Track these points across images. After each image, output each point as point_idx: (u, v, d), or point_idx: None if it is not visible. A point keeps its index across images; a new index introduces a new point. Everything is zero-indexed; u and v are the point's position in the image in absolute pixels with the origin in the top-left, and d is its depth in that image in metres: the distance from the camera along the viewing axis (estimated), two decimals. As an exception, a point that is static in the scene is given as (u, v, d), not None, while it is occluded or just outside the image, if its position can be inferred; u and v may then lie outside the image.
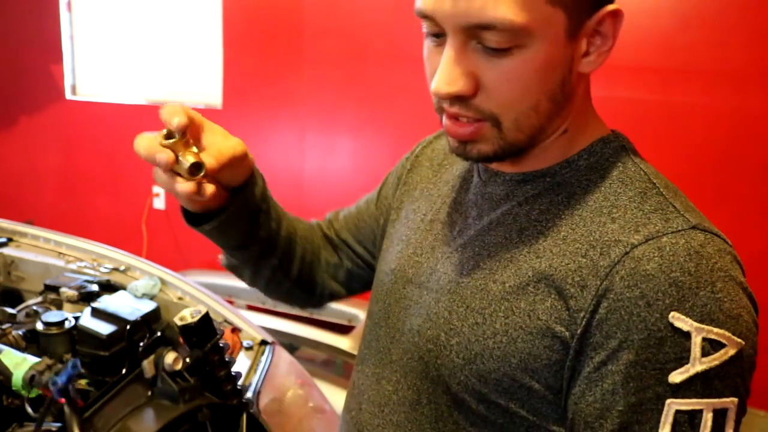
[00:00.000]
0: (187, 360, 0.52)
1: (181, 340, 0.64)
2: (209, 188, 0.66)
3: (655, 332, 0.55)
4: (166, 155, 0.63)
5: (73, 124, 3.47)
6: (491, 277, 0.66)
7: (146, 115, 3.28)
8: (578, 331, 0.59)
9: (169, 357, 0.53)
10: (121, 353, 1.38)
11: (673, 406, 0.55)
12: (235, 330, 1.42)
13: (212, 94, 3.10)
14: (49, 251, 1.79)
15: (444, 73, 0.59)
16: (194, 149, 0.63)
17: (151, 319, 1.46)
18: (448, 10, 0.57)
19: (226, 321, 1.48)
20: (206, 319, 0.55)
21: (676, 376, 0.55)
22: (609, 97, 2.34)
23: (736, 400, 0.57)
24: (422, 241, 0.77)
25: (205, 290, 1.59)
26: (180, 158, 0.61)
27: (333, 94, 2.86)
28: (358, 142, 2.86)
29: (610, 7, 0.60)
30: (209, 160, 0.66)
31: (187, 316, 0.57)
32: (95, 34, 3.39)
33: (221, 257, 0.87)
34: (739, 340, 0.56)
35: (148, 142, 0.65)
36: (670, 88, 2.29)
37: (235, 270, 0.88)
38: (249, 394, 1.24)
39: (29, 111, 3.56)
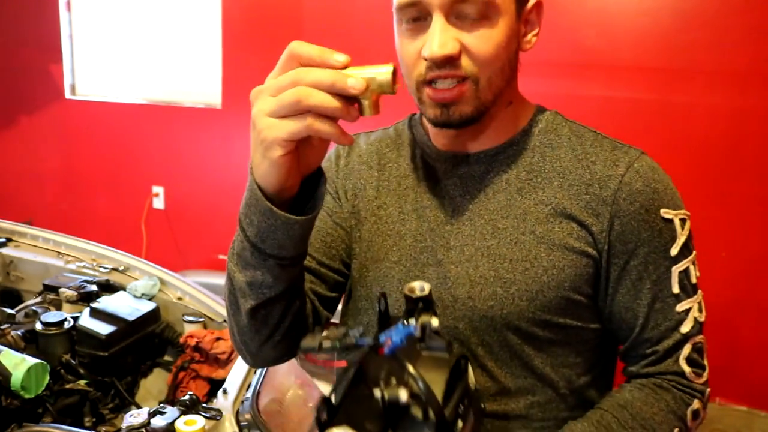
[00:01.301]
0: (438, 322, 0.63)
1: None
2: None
3: (656, 227, 0.79)
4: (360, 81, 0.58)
5: (72, 124, 3.47)
6: (518, 231, 0.81)
7: (146, 115, 3.28)
8: (605, 248, 0.79)
9: (435, 321, 0.62)
10: (121, 353, 1.38)
11: (676, 270, 0.80)
12: (235, 330, 1.42)
13: (212, 94, 3.10)
14: (48, 251, 1.79)
15: (436, 39, 0.72)
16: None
17: (151, 319, 1.46)
18: None
19: (225, 321, 1.48)
20: (431, 295, 0.66)
21: (674, 250, 0.80)
22: (609, 97, 2.34)
23: (695, 251, 0.83)
24: (417, 229, 0.86)
25: (204, 290, 1.59)
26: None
27: (333, 94, 2.85)
28: (357, 142, 2.86)
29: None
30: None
31: (416, 288, 0.66)
32: (95, 34, 3.39)
33: (248, 302, 0.75)
34: (688, 212, 0.82)
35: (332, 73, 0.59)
36: (671, 88, 2.29)
37: (263, 310, 0.75)
38: (248, 394, 1.24)
39: (29, 111, 3.56)
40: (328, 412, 0.57)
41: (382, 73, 0.57)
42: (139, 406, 1.32)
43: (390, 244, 0.87)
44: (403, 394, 0.55)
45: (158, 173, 3.30)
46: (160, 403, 1.27)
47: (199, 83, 3.16)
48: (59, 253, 1.77)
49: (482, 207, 0.83)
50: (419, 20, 0.74)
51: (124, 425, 1.12)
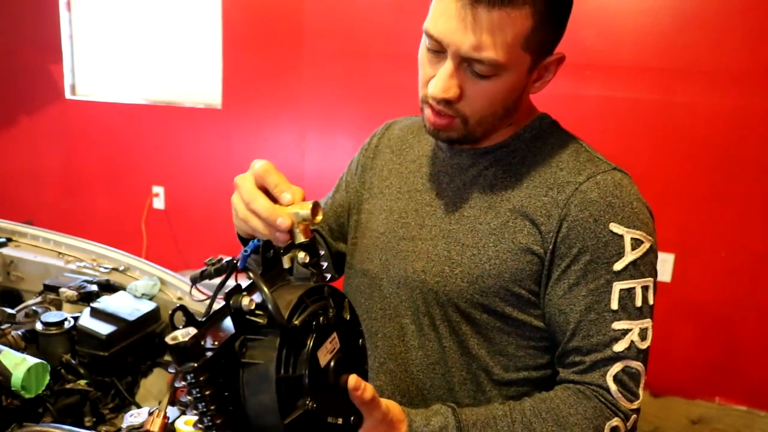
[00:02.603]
0: (311, 258, 0.71)
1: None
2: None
3: (602, 238, 0.82)
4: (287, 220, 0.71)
5: (72, 124, 3.47)
6: (477, 221, 0.89)
7: (146, 115, 3.28)
8: (550, 248, 0.84)
9: (302, 254, 0.70)
10: (121, 353, 1.38)
11: (617, 286, 0.82)
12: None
13: (212, 94, 3.10)
14: (48, 251, 1.79)
15: (441, 81, 0.81)
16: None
17: (151, 319, 1.46)
18: (455, 43, 0.78)
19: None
20: (315, 238, 0.73)
21: (618, 265, 0.82)
22: (609, 97, 2.34)
23: (652, 279, 0.84)
24: (405, 207, 0.97)
25: (204, 290, 1.59)
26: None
27: (333, 94, 2.85)
28: (357, 142, 2.84)
29: (558, 55, 0.85)
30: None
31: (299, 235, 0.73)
32: (95, 34, 3.39)
33: None
34: (651, 238, 0.84)
35: (268, 205, 0.72)
36: (671, 88, 2.29)
37: None
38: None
39: (29, 111, 3.56)
40: (187, 320, 0.61)
41: (304, 209, 0.71)
42: (139, 406, 1.32)
43: (382, 218, 0.99)
44: (245, 300, 0.62)
45: (158, 173, 3.30)
46: (160, 402, 1.27)
47: (199, 83, 3.16)
48: (59, 253, 1.77)
49: (458, 196, 0.92)
50: (439, 53, 0.81)
51: (124, 425, 1.12)
